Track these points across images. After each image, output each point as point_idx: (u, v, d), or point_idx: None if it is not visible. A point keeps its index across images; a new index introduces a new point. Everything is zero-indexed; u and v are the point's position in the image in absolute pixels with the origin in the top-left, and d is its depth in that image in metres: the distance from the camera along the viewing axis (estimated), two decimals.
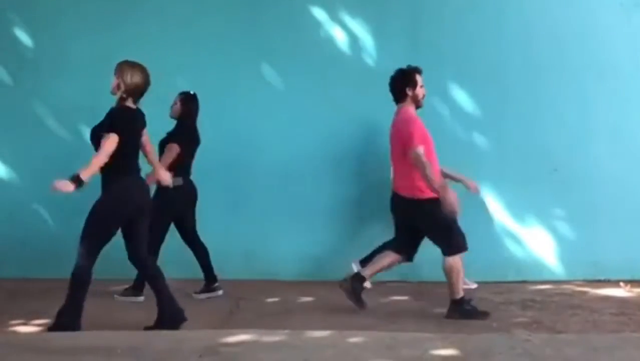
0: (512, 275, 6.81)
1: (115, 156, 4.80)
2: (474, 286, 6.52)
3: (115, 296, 6.04)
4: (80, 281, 4.79)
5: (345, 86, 6.95)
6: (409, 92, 5.58)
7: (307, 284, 6.60)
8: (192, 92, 6.20)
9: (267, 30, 6.97)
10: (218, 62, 6.93)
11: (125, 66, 4.99)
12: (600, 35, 6.97)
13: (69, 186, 4.63)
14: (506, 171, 6.91)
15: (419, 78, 5.61)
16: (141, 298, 5.95)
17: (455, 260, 5.46)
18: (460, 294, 5.49)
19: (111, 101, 4.99)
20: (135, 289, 6.01)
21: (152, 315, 5.02)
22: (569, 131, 6.95)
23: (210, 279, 6.23)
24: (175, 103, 6.18)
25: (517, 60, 6.93)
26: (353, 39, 7.02)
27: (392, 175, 5.80)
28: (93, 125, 5.29)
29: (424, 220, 5.53)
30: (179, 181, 5.95)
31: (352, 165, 6.98)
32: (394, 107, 6.82)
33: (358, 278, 5.72)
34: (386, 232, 6.88)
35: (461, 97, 6.98)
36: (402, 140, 5.50)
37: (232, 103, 6.96)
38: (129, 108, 4.96)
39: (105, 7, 6.96)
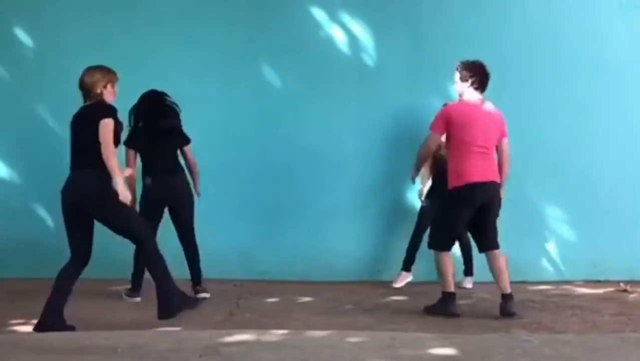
0: (512, 275, 6.77)
1: None
2: (470, 286, 6.52)
3: (124, 296, 6.02)
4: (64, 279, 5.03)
5: (347, 86, 6.95)
6: None
7: (306, 285, 6.61)
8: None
9: (268, 32, 6.96)
10: (219, 64, 6.92)
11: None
12: (600, 36, 6.97)
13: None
14: None
15: None
16: (138, 299, 5.94)
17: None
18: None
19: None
20: (132, 290, 5.99)
21: (151, 315, 5.03)
22: (568, 131, 6.95)
23: (194, 280, 6.11)
24: None
25: (517, 60, 6.93)
26: (354, 39, 7.02)
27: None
28: None
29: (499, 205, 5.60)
30: (148, 180, 5.97)
31: (354, 166, 6.97)
32: (395, 106, 6.83)
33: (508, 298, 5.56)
34: (388, 233, 6.91)
35: None
36: (501, 127, 5.64)
37: (233, 104, 6.95)
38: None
39: (107, 10, 6.96)
